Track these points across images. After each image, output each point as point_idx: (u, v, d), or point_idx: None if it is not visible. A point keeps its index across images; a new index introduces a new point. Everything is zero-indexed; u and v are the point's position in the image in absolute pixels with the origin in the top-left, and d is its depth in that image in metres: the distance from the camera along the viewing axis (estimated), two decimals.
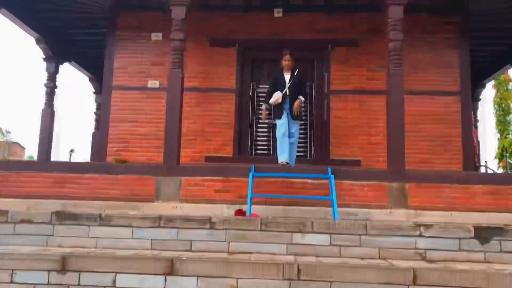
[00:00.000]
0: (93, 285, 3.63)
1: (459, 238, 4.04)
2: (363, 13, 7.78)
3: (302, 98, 6.52)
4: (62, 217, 4.38)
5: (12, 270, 3.70)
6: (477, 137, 10.98)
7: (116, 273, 3.65)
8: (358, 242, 4.05)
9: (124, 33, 8.11)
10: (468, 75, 7.58)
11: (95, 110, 12.35)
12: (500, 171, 15.08)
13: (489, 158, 21.90)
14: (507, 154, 12.73)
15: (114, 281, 3.63)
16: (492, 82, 11.36)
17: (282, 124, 6.37)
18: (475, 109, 11.52)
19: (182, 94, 6.47)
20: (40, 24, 9.00)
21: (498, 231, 4.10)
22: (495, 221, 5.25)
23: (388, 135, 6.09)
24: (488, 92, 22.86)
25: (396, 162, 5.94)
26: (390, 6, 6.30)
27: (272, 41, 7.92)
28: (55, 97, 9.60)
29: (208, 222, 4.21)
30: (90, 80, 12.03)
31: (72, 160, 32.13)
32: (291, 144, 6.32)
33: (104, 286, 3.63)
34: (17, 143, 36.73)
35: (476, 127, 11.31)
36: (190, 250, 4.13)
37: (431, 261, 3.96)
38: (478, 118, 11.74)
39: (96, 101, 12.37)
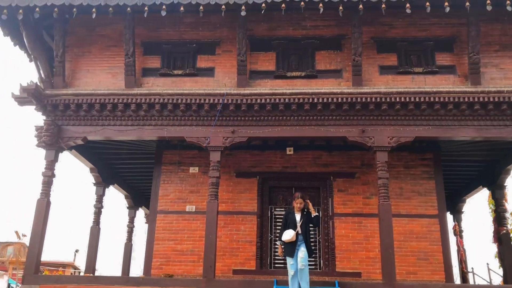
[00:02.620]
0: None
1: None
2: (356, 151, 9.74)
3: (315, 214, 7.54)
4: None
5: None
6: (463, 246, 12.58)
7: None
8: None
9: (167, 167, 10.09)
10: (444, 201, 9.37)
11: (127, 223, 14.12)
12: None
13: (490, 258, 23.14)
14: (488, 263, 14.14)
15: None
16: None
17: (292, 265, 7.11)
18: (459, 220, 13.23)
19: (217, 219, 8.30)
20: (95, 157, 11.11)
21: None
22: None
23: (381, 254, 7.79)
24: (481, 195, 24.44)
25: (388, 276, 7.61)
26: (377, 152, 8.36)
27: (285, 173, 9.91)
28: (101, 216, 11.46)
29: None
30: (126, 197, 13.94)
31: (75, 258, 32.57)
32: (301, 270, 6.99)
33: None
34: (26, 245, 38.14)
35: (461, 237, 12.92)
36: None
37: None
38: (463, 228, 13.36)
39: (128, 215, 14.20)
